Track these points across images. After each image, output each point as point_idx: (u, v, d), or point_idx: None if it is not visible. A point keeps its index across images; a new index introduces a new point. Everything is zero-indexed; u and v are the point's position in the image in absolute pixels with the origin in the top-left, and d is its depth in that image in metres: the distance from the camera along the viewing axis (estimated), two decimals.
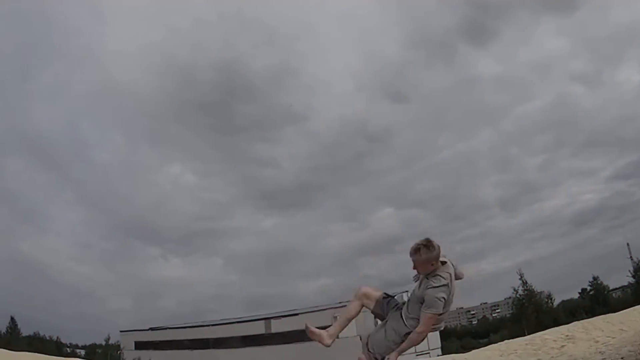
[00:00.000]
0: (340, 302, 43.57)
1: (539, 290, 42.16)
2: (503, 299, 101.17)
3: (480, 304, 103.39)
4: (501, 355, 12.85)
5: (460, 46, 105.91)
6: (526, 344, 13.08)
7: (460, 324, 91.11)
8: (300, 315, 40.93)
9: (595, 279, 45.00)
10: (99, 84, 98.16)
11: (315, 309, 42.78)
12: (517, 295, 41.40)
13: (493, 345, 15.30)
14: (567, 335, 12.39)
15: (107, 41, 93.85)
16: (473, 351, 15.05)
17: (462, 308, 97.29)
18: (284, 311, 44.39)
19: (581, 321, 14.94)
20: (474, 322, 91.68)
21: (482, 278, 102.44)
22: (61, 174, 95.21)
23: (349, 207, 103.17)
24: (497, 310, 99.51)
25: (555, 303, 44.64)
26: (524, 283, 41.47)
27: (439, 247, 5.05)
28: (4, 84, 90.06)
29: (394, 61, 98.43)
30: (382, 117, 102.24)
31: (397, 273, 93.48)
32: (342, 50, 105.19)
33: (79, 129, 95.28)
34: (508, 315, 78.88)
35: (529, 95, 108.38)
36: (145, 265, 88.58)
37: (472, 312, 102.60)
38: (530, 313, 39.04)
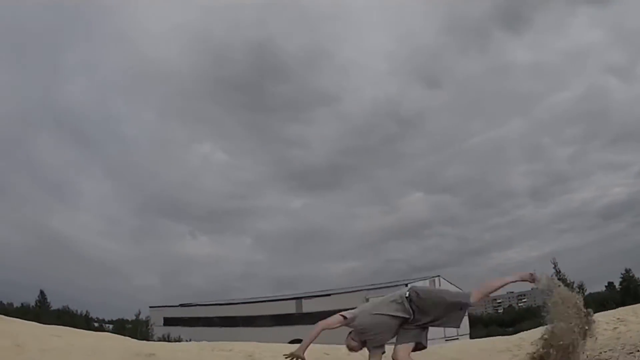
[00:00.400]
0: (372, 284, 43.26)
1: (571, 280, 41.07)
2: (530, 288, 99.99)
3: (507, 293, 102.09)
4: None
5: (494, 33, 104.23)
6: None
7: (486, 312, 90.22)
8: (332, 296, 40.65)
9: (627, 271, 43.94)
10: (132, 62, 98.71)
11: (347, 289, 42.48)
12: None
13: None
14: (618, 318, 11.87)
15: (140, 20, 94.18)
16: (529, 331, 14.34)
17: (488, 296, 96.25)
18: (316, 291, 44.17)
19: (631, 306, 14.56)
20: (499, 311, 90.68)
21: (510, 267, 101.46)
22: (92, 149, 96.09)
23: (379, 190, 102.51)
24: (523, 300, 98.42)
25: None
26: (558, 272, 40.28)
27: None
28: (39, 61, 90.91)
29: (428, 45, 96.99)
30: (414, 101, 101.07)
31: (424, 258, 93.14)
32: (376, 33, 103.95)
33: (111, 106, 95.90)
34: (534, 306, 78.12)
35: (562, 85, 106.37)
36: (173, 242, 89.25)
37: (499, 301, 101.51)
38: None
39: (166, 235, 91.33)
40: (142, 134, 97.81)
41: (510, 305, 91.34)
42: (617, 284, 46.68)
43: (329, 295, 41.14)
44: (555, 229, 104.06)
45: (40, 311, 40.40)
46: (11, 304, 46.05)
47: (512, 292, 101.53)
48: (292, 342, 19.08)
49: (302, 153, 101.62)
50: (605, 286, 49.36)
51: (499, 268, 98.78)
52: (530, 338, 12.13)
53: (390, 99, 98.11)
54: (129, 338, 11.45)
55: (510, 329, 45.43)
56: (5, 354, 8.40)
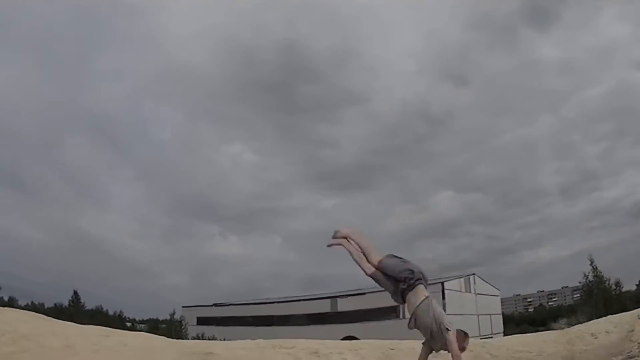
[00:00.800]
0: None
1: (607, 277, 40.30)
2: (560, 287, 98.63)
3: (537, 292, 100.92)
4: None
5: (522, 29, 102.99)
6: None
7: (517, 311, 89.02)
8: (367, 295, 40.21)
9: None
10: (161, 65, 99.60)
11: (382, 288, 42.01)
12: (588, 281, 39.45)
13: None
14: None
15: (169, 24, 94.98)
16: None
17: (519, 295, 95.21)
18: (350, 290, 43.75)
19: None
20: (530, 310, 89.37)
21: (539, 266, 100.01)
22: (122, 151, 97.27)
23: (409, 189, 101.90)
24: (553, 299, 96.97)
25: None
26: (595, 269, 39.59)
27: None
28: (70, 65, 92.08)
29: (456, 43, 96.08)
30: (443, 99, 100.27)
31: (454, 257, 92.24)
32: (403, 32, 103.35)
33: (141, 108, 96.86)
34: (565, 305, 76.86)
35: (591, 81, 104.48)
36: (204, 243, 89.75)
37: (529, 300, 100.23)
38: (598, 300, 37.09)
39: (197, 236, 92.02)
40: (172, 136, 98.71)
41: (540, 305, 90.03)
42: None
43: (363, 294, 40.68)
44: (585, 227, 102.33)
45: (74, 311, 40.60)
46: (42, 305, 46.68)
47: (543, 291, 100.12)
48: (344, 338, 18.74)
49: (331, 153, 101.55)
50: (636, 285, 48.64)
51: (528, 267, 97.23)
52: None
53: (418, 98, 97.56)
54: (180, 339, 11.24)
55: (542, 327, 44.74)
56: (58, 355, 8.20)
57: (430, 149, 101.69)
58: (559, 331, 13.82)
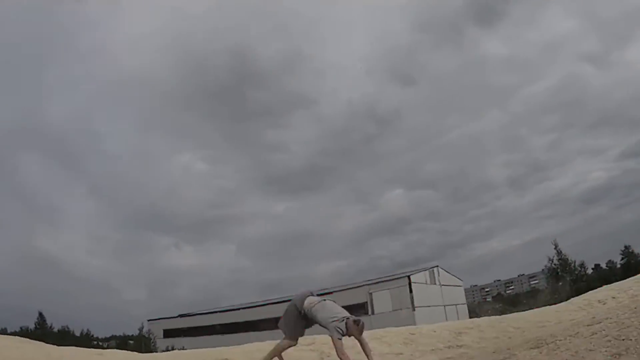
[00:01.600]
0: (377, 278, 43.17)
1: (572, 260, 41.80)
2: (516, 275, 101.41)
3: (494, 281, 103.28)
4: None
5: (468, 28, 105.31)
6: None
7: (475, 301, 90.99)
8: (334, 294, 40.41)
9: (627, 247, 44.72)
10: (110, 75, 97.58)
11: (350, 285, 42.33)
12: (553, 265, 40.81)
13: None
14: None
15: (119, 31, 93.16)
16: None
17: (476, 286, 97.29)
18: (317, 290, 43.85)
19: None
20: (488, 299, 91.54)
21: (493, 257, 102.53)
22: (74, 166, 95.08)
23: (360, 190, 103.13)
24: (510, 287, 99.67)
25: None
26: (559, 253, 41.00)
27: None
28: (17, 81, 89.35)
29: (403, 44, 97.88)
30: (390, 99, 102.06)
31: (408, 254, 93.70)
32: (351, 34, 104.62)
33: (91, 121, 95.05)
34: (523, 292, 79.06)
35: (537, 75, 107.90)
36: (160, 255, 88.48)
37: (487, 290, 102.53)
38: (565, 282, 38.49)
39: (152, 248, 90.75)
40: (123, 148, 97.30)
41: (499, 294, 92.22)
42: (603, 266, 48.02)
43: (330, 292, 40.87)
44: (535, 216, 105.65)
45: (42, 334, 39.27)
46: (5, 329, 45.08)
47: (499, 280, 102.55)
48: None
49: (281, 157, 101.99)
50: (592, 268, 50.48)
51: (482, 259, 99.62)
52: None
53: (366, 99, 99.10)
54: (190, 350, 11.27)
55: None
56: None
57: (380, 148, 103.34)
58: (574, 299, 14.51)
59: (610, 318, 6.77)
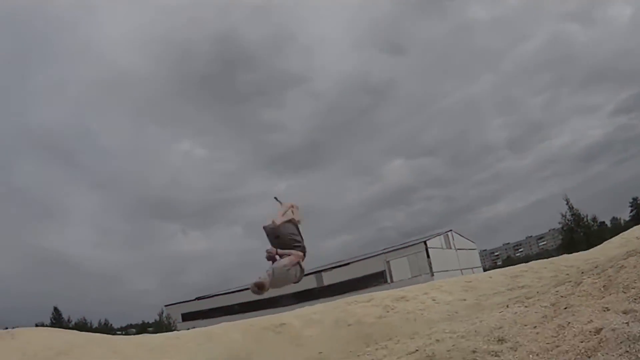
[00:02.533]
0: (392, 246, 42.95)
1: (584, 214, 41.75)
2: (524, 237, 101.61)
3: (503, 245, 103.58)
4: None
5: None
6: None
7: (486, 265, 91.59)
8: (351, 265, 40.27)
9: (634, 199, 44.72)
10: (100, 73, 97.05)
11: (366, 255, 42.11)
12: (566, 220, 40.67)
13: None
14: None
15: (102, 30, 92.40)
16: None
17: (485, 250, 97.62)
18: (333, 262, 43.68)
19: None
20: (498, 263, 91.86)
21: (499, 220, 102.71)
22: (73, 165, 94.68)
23: (360, 162, 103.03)
24: (520, 250, 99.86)
25: None
26: (571, 208, 40.88)
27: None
28: (7, 86, 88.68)
29: (387, 13, 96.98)
30: (382, 70, 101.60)
31: (414, 223, 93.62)
32: (335, 8, 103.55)
33: (86, 120, 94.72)
34: (533, 253, 79.15)
35: (524, 36, 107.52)
36: (167, 242, 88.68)
37: (496, 254, 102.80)
38: (581, 237, 38.34)
39: (159, 237, 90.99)
40: (121, 142, 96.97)
41: (508, 257, 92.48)
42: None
43: (347, 264, 40.71)
44: (538, 177, 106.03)
45: (60, 328, 39.17)
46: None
47: (508, 244, 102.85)
48: None
49: (280, 137, 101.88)
50: (598, 225, 50.76)
51: (489, 222, 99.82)
52: None
53: (358, 71, 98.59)
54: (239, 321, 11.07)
55: None
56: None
57: (376, 119, 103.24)
58: (612, 239, 14.26)
59: None
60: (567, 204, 40.41)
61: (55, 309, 47.95)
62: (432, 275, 36.26)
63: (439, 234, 41.52)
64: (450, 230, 43.21)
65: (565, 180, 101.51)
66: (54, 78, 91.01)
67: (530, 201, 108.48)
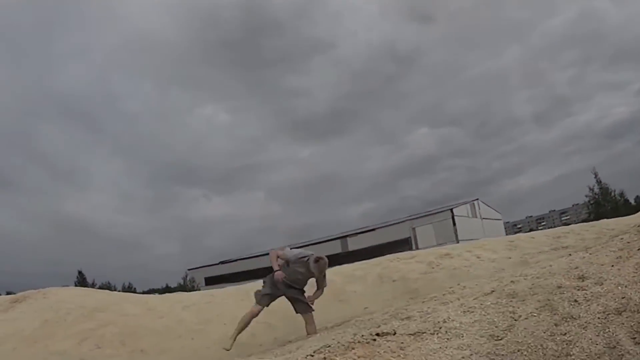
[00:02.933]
0: (418, 213, 42.79)
1: (613, 189, 41.33)
2: (548, 211, 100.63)
3: (526, 217, 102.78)
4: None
5: None
6: None
7: None
8: (377, 230, 40.27)
9: None
10: (123, 36, 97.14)
11: (392, 222, 42.05)
12: (594, 194, 40.27)
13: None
14: None
15: None
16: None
17: (507, 222, 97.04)
18: (359, 228, 43.72)
19: None
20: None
21: (522, 193, 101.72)
22: (95, 129, 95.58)
23: (384, 130, 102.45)
24: (542, 223, 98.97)
25: None
26: (599, 182, 40.48)
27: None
28: (33, 53, 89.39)
29: None
30: (409, 38, 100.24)
31: (437, 192, 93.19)
32: None
33: (109, 84, 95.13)
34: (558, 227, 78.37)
35: (554, 9, 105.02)
36: (189, 207, 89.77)
37: (519, 226, 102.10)
38: (608, 211, 37.90)
39: (181, 202, 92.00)
40: (143, 107, 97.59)
41: (530, 230, 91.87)
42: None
43: (373, 229, 40.72)
44: (562, 152, 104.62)
45: None
46: None
47: (531, 217, 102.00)
48: None
49: (303, 103, 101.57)
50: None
51: (512, 195, 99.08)
52: None
53: (385, 39, 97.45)
54: None
55: None
56: (150, 319, 7.88)
57: (401, 88, 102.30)
58: None
59: None
60: (596, 177, 39.98)
61: (80, 272, 49.18)
62: (458, 243, 36.13)
63: (465, 202, 41.30)
64: (477, 199, 42.94)
65: (589, 157, 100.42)
66: (78, 43, 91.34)
67: (554, 175, 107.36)
